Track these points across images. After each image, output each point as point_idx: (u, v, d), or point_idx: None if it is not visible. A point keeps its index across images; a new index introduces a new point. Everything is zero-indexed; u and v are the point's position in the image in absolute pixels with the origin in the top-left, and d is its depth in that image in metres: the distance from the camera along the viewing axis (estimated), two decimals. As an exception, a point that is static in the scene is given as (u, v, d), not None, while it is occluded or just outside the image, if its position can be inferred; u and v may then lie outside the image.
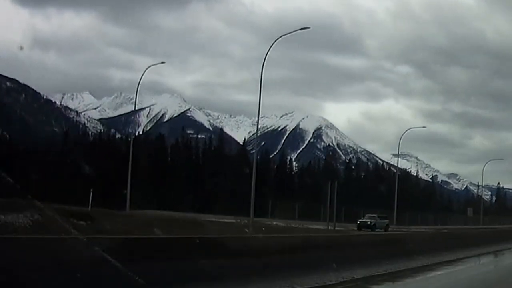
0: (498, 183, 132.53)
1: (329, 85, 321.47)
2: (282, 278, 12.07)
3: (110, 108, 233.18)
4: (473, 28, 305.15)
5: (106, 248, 8.51)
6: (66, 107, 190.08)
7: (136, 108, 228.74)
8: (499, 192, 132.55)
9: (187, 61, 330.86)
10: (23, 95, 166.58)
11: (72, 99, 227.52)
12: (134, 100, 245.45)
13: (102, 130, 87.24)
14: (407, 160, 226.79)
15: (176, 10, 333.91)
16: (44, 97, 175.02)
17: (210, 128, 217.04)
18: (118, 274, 8.39)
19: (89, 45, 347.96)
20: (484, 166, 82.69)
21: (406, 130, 67.49)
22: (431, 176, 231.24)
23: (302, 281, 12.43)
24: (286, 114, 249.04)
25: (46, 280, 7.92)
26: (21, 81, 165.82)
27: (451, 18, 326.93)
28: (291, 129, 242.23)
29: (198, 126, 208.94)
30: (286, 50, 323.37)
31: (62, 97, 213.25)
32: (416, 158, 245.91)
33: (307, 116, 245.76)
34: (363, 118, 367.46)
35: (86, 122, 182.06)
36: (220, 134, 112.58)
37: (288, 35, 37.39)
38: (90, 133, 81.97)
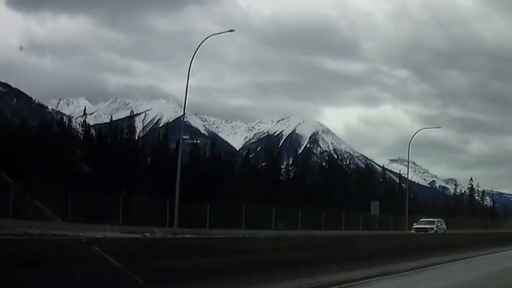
0: (471, 179, 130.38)
1: (326, 89, 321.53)
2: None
3: (105, 114, 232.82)
4: (472, 30, 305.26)
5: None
6: (58, 112, 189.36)
7: (132, 114, 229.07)
8: (472, 192, 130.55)
9: (184, 64, 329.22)
10: (15, 100, 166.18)
11: (68, 105, 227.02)
12: (130, 105, 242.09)
13: (93, 135, 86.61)
14: (404, 165, 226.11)
15: (172, 13, 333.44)
16: (36, 101, 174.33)
17: (206, 134, 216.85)
18: (118, 274, 8.38)
19: (85, 49, 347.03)
20: (410, 143, 65.53)
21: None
22: (429, 181, 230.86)
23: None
24: (282, 119, 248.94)
25: (46, 280, 7.89)
26: (13, 85, 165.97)
27: (449, 20, 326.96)
28: (287, 134, 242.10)
29: (194, 132, 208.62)
30: (283, 54, 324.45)
31: (58, 103, 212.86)
32: (414, 163, 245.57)
33: (303, 121, 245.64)
34: (360, 123, 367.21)
35: (78, 127, 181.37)
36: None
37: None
38: (81, 137, 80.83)
